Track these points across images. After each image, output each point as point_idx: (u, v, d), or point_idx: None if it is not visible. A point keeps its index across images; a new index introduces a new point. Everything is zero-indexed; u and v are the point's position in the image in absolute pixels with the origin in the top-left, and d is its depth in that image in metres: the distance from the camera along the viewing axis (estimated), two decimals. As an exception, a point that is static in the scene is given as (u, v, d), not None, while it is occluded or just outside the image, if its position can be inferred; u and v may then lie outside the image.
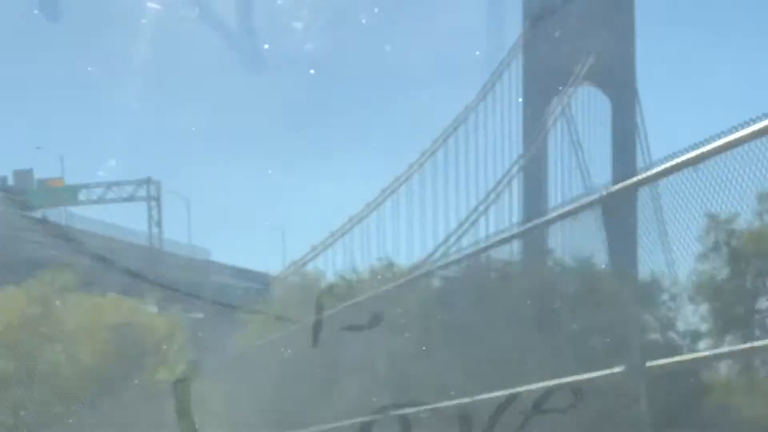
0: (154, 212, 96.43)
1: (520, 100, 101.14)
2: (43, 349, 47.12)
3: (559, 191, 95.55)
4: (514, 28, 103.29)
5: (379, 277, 47.93)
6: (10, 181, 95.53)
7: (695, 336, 24.80)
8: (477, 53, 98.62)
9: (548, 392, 12.49)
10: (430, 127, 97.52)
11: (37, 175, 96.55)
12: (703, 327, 24.14)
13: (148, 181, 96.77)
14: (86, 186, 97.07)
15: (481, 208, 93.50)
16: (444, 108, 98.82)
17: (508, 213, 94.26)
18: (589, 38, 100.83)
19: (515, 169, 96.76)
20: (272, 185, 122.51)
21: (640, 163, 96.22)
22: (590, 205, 19.46)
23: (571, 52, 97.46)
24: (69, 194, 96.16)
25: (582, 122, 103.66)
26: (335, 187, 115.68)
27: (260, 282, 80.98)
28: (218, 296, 67.11)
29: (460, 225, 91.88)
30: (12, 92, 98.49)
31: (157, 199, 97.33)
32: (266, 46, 64.68)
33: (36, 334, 47.70)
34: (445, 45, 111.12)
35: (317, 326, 24.32)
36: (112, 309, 49.79)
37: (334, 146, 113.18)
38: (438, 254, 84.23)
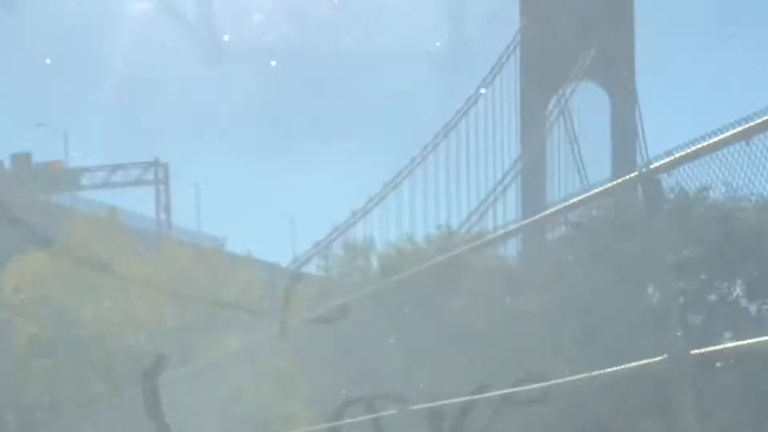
0: (162, 197, 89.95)
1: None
2: (82, 308, 38.32)
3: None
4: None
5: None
6: (7, 165, 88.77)
7: None
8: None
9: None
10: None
11: (37, 158, 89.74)
12: None
13: (155, 163, 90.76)
14: (89, 169, 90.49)
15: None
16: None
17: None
18: (589, 35, 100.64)
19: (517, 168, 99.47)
20: (282, 174, 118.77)
21: (638, 160, 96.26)
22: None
23: (570, 48, 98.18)
24: (70, 178, 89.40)
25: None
26: (342, 179, 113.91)
27: (268, 272, 76.50)
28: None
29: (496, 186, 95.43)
30: (11, 71, 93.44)
31: (166, 183, 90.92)
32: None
33: (72, 289, 38.49)
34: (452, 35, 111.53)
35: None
36: (171, 253, 40.15)
37: (346, 138, 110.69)
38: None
